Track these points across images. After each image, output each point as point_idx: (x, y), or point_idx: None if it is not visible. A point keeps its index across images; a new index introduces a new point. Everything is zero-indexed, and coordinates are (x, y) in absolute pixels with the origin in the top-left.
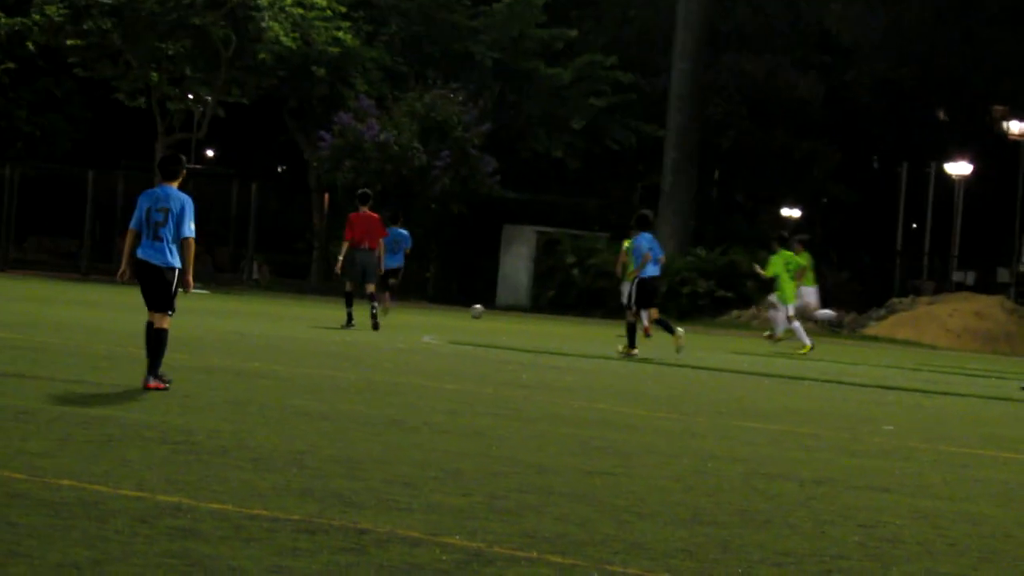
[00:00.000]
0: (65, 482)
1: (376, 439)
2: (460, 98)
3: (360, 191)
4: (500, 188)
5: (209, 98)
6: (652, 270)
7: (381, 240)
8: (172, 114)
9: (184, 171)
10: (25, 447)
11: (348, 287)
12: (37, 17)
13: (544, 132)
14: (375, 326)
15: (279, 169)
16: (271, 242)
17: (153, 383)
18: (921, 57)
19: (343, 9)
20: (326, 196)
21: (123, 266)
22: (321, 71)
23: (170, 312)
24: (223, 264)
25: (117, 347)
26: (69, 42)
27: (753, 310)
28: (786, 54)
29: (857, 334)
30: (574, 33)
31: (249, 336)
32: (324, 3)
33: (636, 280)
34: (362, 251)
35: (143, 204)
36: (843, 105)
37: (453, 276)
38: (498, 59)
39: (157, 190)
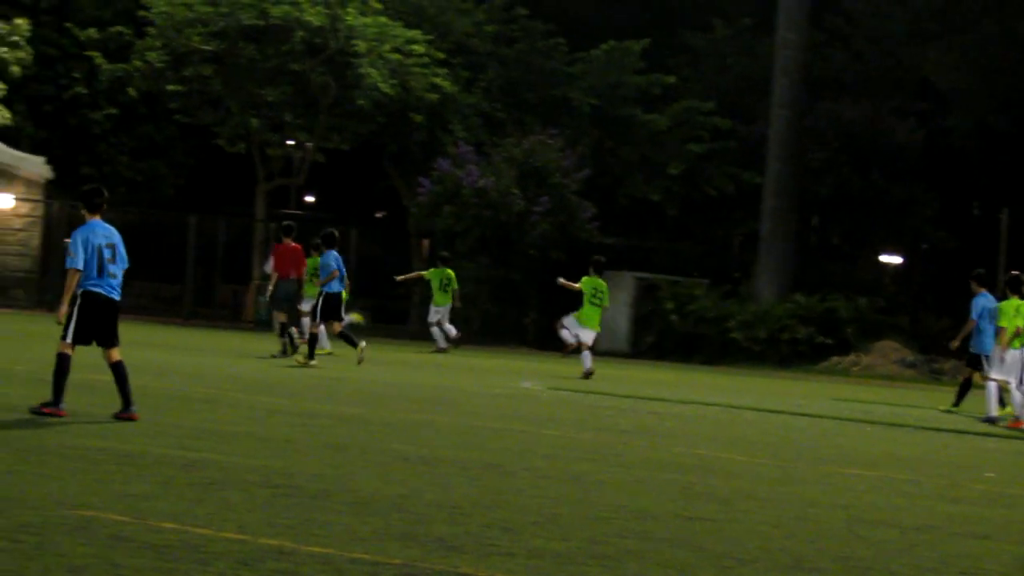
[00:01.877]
0: (168, 525)
1: (476, 484)
2: (558, 144)
3: (284, 223)
4: (599, 234)
5: (309, 144)
6: (337, 287)
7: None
8: (272, 160)
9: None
10: (128, 490)
11: (282, 318)
12: (138, 63)
13: (642, 178)
14: (283, 352)
15: (378, 215)
16: (369, 287)
17: (136, 414)
18: (1019, 102)
19: (441, 55)
20: (425, 242)
21: (64, 307)
22: (419, 117)
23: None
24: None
25: (217, 391)
26: (170, 88)
27: (853, 356)
28: (884, 100)
29: (958, 380)
30: (671, 79)
31: (348, 381)
32: (422, 49)
33: (322, 295)
34: (287, 281)
35: (92, 242)
36: (941, 151)
37: (552, 321)
38: (596, 105)
39: (98, 227)
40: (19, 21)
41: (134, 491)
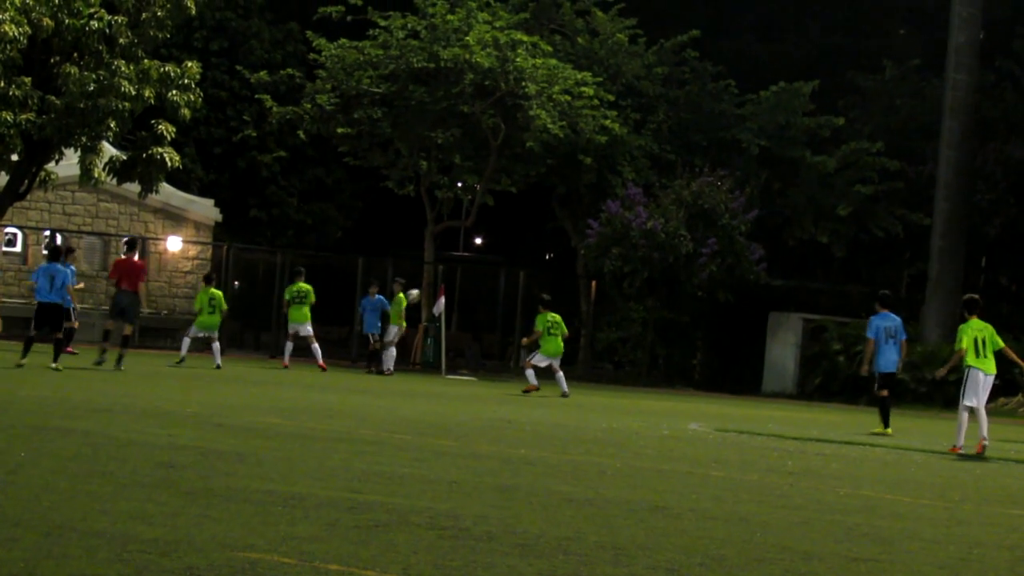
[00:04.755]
0: (333, 567)
1: (641, 525)
2: (727, 185)
3: (127, 239)
4: (766, 275)
5: (478, 186)
6: (47, 296)
7: (142, 285)
8: (441, 202)
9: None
10: (294, 532)
11: (109, 326)
12: (308, 106)
13: (810, 219)
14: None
15: (547, 257)
16: None
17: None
18: None
19: (611, 97)
20: (594, 283)
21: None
22: (588, 159)
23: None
24: (491, 351)
25: (384, 433)
26: (340, 131)
27: (1020, 397)
28: None
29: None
30: (841, 121)
31: (516, 422)
32: (592, 91)
33: (38, 303)
34: (121, 292)
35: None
36: None
37: (719, 363)
38: (765, 147)
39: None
40: (190, 64)
41: (299, 533)
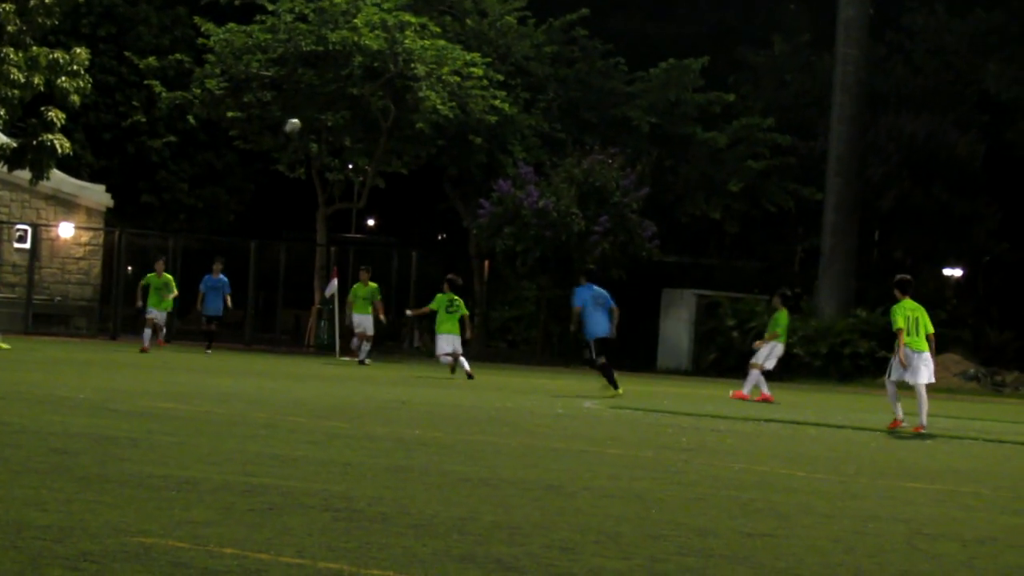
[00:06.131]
0: (228, 550)
1: (536, 504)
2: (618, 163)
3: None
4: (659, 252)
5: (368, 168)
6: None
7: None
8: (332, 185)
9: None
10: (188, 516)
11: None
12: (197, 91)
13: (702, 196)
14: None
15: (439, 237)
16: None
17: None
18: None
19: (500, 77)
20: (486, 263)
21: None
22: (479, 139)
23: None
24: (384, 332)
25: (277, 416)
26: (229, 115)
27: None
28: (945, 113)
29: (1021, 392)
30: (731, 97)
31: (410, 403)
32: (481, 72)
33: None
34: None
35: None
36: (1003, 163)
37: (614, 340)
38: (655, 124)
39: None
40: (78, 50)
41: (194, 518)
